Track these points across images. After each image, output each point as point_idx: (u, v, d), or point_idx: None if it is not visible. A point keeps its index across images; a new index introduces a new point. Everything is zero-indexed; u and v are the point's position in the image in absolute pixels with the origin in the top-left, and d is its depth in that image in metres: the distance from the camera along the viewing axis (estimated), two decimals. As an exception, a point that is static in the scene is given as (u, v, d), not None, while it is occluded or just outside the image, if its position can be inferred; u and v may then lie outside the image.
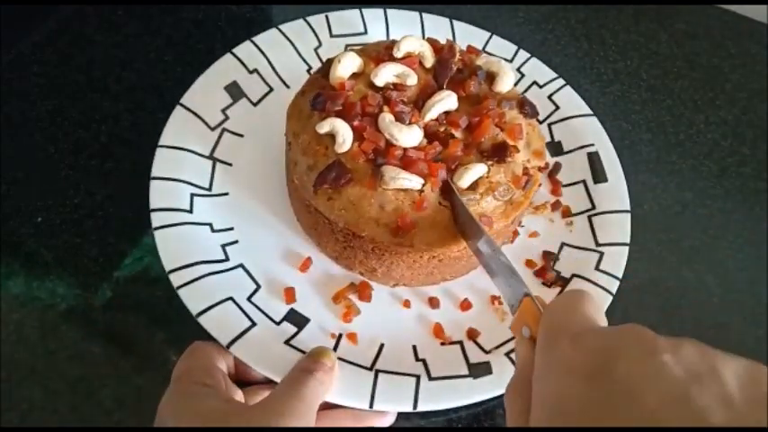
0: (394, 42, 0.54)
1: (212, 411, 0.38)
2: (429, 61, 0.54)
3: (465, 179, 0.48)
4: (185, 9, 0.70)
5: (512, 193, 0.50)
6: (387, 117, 0.49)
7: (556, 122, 0.64)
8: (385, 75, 0.52)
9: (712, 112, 0.71)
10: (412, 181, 0.47)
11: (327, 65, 0.53)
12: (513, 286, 0.40)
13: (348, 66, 0.52)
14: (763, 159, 0.68)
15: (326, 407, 0.44)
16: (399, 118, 0.50)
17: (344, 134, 0.48)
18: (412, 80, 0.53)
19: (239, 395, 0.44)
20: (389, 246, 0.48)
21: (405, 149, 0.48)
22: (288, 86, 0.62)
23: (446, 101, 0.51)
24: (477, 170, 0.49)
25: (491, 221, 0.49)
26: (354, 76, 0.53)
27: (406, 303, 0.53)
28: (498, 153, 0.50)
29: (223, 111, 0.60)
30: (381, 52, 0.54)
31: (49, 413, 0.46)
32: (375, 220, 0.48)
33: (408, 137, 0.48)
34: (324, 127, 0.49)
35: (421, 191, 0.48)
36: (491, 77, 0.54)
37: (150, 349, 0.44)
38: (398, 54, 0.53)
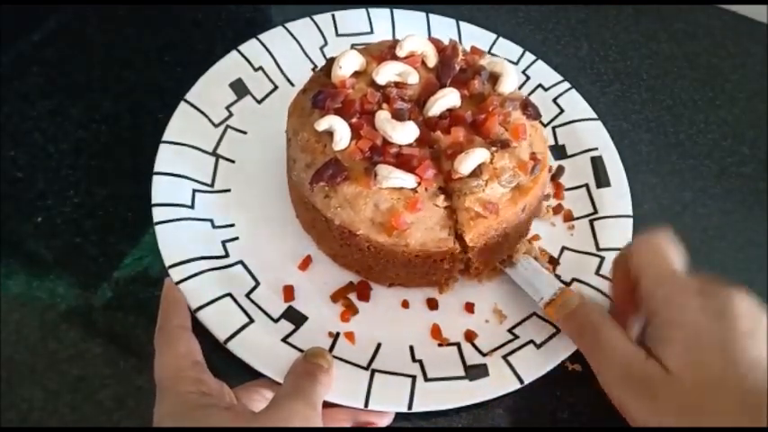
0: (397, 42, 0.54)
1: (221, 426, 0.38)
2: (432, 61, 0.54)
3: (466, 165, 0.48)
4: (185, 9, 0.70)
5: (518, 179, 0.49)
6: (382, 114, 0.49)
7: (560, 126, 0.64)
8: (386, 73, 0.52)
9: (712, 112, 0.71)
10: (405, 180, 0.47)
11: (330, 63, 0.53)
12: (545, 282, 0.52)
13: (350, 64, 0.52)
14: (763, 159, 0.68)
15: (323, 406, 0.44)
16: (397, 115, 0.49)
17: (342, 132, 0.48)
18: (413, 79, 0.53)
19: (226, 390, 0.43)
20: (384, 245, 0.48)
21: (400, 147, 0.48)
22: (293, 84, 0.62)
23: (449, 97, 0.51)
24: (478, 155, 0.48)
25: (497, 209, 0.48)
26: (357, 74, 0.53)
27: (405, 304, 0.53)
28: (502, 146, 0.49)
29: (227, 108, 0.60)
30: (384, 51, 0.54)
31: (49, 413, 0.46)
32: (370, 218, 0.48)
33: (402, 134, 0.48)
34: (322, 124, 0.49)
35: (415, 190, 0.47)
36: (494, 78, 0.54)
37: (150, 349, 0.44)
38: (401, 53, 0.53)
